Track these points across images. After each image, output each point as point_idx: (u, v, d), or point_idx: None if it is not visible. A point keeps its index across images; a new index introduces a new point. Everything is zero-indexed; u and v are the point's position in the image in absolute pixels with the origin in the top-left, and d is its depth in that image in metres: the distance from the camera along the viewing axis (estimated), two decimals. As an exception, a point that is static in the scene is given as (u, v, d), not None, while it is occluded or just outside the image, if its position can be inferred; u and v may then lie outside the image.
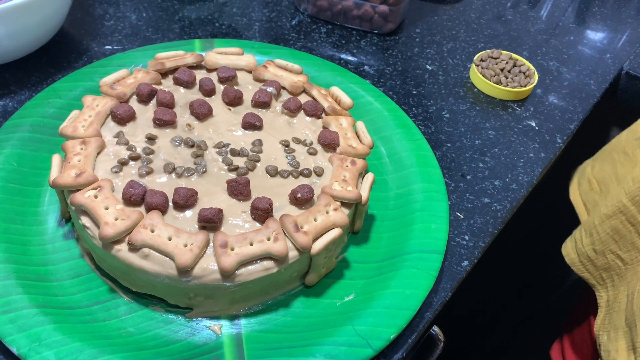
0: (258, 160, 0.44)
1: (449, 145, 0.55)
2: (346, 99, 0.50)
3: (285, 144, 0.46)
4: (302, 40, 0.66)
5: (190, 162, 0.43)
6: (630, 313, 0.43)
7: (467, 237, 0.47)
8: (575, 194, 0.57)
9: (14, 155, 0.46)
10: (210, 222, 0.38)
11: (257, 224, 0.39)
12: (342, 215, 0.40)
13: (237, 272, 0.37)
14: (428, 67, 0.64)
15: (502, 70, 0.62)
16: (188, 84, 0.49)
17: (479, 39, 0.70)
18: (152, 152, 0.43)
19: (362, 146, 0.46)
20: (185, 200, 0.39)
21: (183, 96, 0.48)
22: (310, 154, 0.45)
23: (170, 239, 0.37)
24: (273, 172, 0.43)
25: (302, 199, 0.40)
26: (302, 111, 0.49)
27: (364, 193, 0.43)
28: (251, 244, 0.38)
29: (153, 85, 0.48)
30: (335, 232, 0.40)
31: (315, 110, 0.48)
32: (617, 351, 0.43)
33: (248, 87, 0.50)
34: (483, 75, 0.61)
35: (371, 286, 0.42)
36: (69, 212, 0.44)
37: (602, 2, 0.81)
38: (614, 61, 0.69)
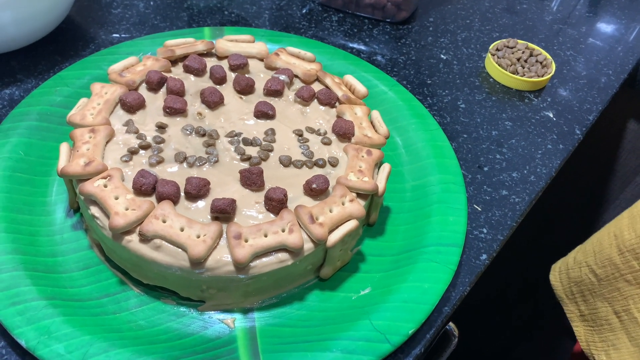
0: (271, 150, 0.43)
1: (465, 136, 0.54)
2: (361, 88, 0.48)
3: (299, 134, 0.44)
4: (313, 29, 0.65)
5: (201, 152, 0.42)
6: (637, 334, 0.43)
7: (485, 230, 0.46)
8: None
9: (21, 145, 0.45)
10: (224, 212, 0.37)
11: (271, 215, 0.38)
12: (358, 206, 0.39)
13: (251, 264, 0.36)
14: (442, 56, 0.63)
15: (518, 59, 0.61)
16: (199, 72, 0.48)
17: (494, 28, 0.69)
18: (163, 141, 0.42)
19: (377, 136, 0.45)
20: (197, 190, 0.38)
21: (193, 84, 0.47)
22: (325, 143, 0.44)
23: (182, 230, 0.36)
24: (286, 162, 0.42)
25: (318, 190, 0.39)
26: (315, 100, 0.47)
27: (381, 184, 0.42)
28: (265, 236, 0.37)
29: (163, 73, 0.47)
30: (351, 224, 0.39)
31: (329, 99, 0.47)
32: None
33: (260, 75, 0.49)
34: (499, 65, 0.60)
35: (388, 280, 0.40)
36: (77, 202, 0.43)
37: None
38: (633, 51, 0.67)
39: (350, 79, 0.49)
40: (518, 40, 0.63)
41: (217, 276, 0.36)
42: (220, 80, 0.47)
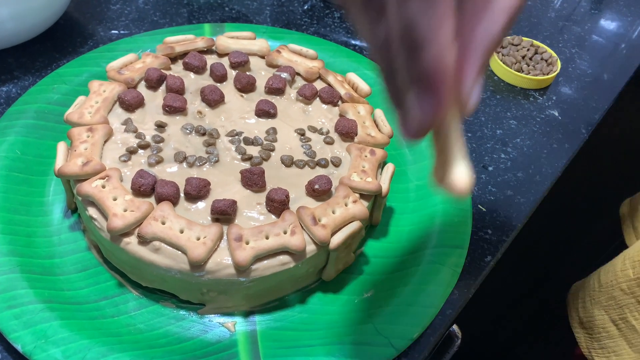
0: (272, 150, 0.42)
1: (469, 135, 0.53)
2: (364, 86, 0.48)
3: (301, 133, 0.43)
4: (315, 25, 0.64)
5: (201, 151, 0.41)
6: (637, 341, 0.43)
7: (490, 231, 0.45)
8: (628, 230, 0.55)
9: (18, 143, 0.44)
10: (224, 214, 0.36)
11: (273, 217, 0.38)
12: (361, 207, 0.38)
13: (252, 267, 0.35)
14: (446, 53, 0.62)
15: (523, 57, 0.60)
16: (199, 69, 0.47)
17: (498, 25, 0.67)
18: (162, 140, 0.41)
19: (381, 135, 0.44)
20: (197, 190, 0.37)
21: (193, 82, 0.46)
22: (327, 143, 0.43)
23: (182, 232, 0.36)
24: (288, 162, 0.41)
25: (320, 191, 0.38)
26: (317, 98, 0.46)
27: (385, 184, 0.41)
28: (267, 238, 0.36)
29: (162, 71, 0.46)
30: (354, 226, 0.38)
31: (331, 98, 0.46)
32: None
33: (261, 73, 0.48)
34: (504, 63, 0.59)
35: (391, 282, 0.40)
36: (75, 203, 0.42)
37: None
38: (639, 49, 0.66)
39: (353, 76, 0.48)
40: (523, 38, 0.62)
41: (217, 279, 0.35)
42: (220, 78, 0.46)
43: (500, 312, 0.86)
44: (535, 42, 0.61)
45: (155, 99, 0.44)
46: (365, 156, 0.42)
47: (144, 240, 0.36)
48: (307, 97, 0.46)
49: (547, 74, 0.58)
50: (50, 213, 0.42)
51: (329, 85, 0.47)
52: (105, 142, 0.41)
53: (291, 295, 0.39)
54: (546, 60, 0.60)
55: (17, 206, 0.41)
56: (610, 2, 0.75)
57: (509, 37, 0.62)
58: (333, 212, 0.38)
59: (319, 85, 0.48)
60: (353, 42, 0.62)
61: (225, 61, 0.48)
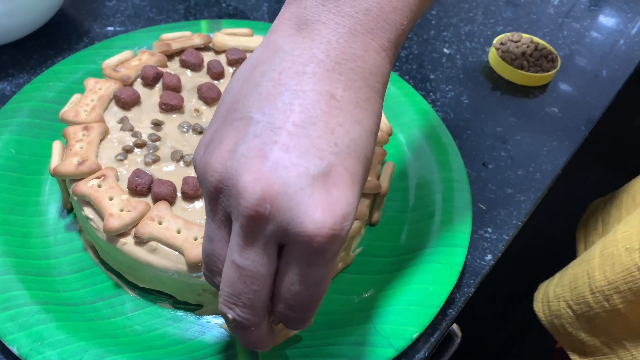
0: (271, 148, 0.41)
1: (469, 132, 0.53)
2: (363, 84, 0.47)
3: (299, 131, 0.43)
4: (313, 22, 0.63)
5: (199, 150, 0.41)
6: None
7: (490, 230, 0.45)
8: (580, 231, 0.56)
9: (12, 142, 0.44)
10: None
11: (271, 216, 0.37)
12: (361, 206, 0.38)
13: (250, 267, 0.35)
14: (445, 50, 0.62)
15: (523, 54, 0.59)
16: (196, 67, 0.46)
17: (498, 22, 0.67)
18: (159, 138, 0.41)
19: (380, 133, 0.43)
20: (194, 190, 0.37)
21: (190, 79, 0.46)
22: (326, 141, 0.43)
23: (179, 232, 0.35)
24: (287, 160, 0.41)
25: (319, 190, 0.38)
26: (316, 96, 0.46)
27: (384, 183, 0.40)
28: (265, 238, 0.35)
29: (159, 68, 0.45)
30: (353, 225, 0.37)
31: (330, 95, 0.45)
32: None
33: (259, 71, 0.47)
34: (503, 60, 0.58)
35: (391, 281, 0.39)
36: (70, 203, 0.41)
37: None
38: (639, 46, 0.66)
39: (351, 74, 0.48)
40: (522, 34, 0.61)
41: (215, 280, 0.35)
42: (218, 75, 0.46)
43: (500, 311, 0.86)
44: (535, 39, 0.61)
45: (151, 97, 0.44)
46: (365, 154, 0.41)
47: (140, 241, 0.35)
48: (305, 94, 0.45)
49: (548, 71, 0.58)
50: (45, 213, 0.41)
51: (328, 82, 0.47)
52: (101, 140, 0.40)
53: (290, 295, 0.39)
54: (546, 57, 0.59)
55: (11, 206, 0.41)
56: (609, -2, 0.74)
57: (508, 33, 0.61)
58: (332, 212, 0.37)
59: (317, 82, 0.47)
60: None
61: (222, 58, 0.48)
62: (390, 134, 0.44)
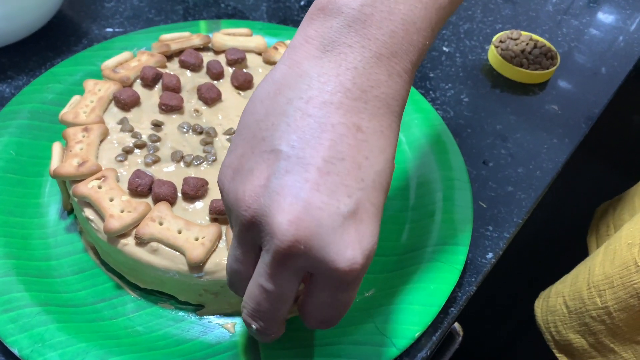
0: (271, 148, 0.41)
1: (469, 130, 0.53)
2: (362, 82, 0.47)
3: (299, 130, 0.43)
4: (312, 21, 0.63)
5: (199, 150, 0.41)
6: None
7: (490, 228, 0.45)
8: (591, 237, 0.56)
9: (12, 144, 0.44)
10: (223, 214, 0.36)
11: (272, 216, 0.37)
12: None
13: (251, 267, 0.35)
14: (445, 48, 0.62)
15: (522, 51, 0.59)
16: (195, 67, 0.46)
17: (497, 20, 0.67)
18: (159, 139, 0.41)
19: (380, 132, 0.43)
20: (195, 190, 0.37)
21: (190, 80, 0.46)
22: (326, 140, 0.42)
23: (180, 232, 0.35)
24: (287, 160, 0.41)
25: (319, 189, 0.38)
26: (316, 95, 0.46)
27: (384, 182, 0.40)
28: (266, 237, 0.35)
29: (158, 69, 0.45)
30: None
31: (330, 95, 0.45)
32: None
33: (258, 70, 0.47)
34: (503, 57, 0.58)
35: (392, 281, 0.39)
36: (71, 204, 0.41)
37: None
38: (638, 42, 0.66)
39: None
40: (522, 32, 0.61)
41: (216, 280, 0.35)
42: (217, 75, 0.46)
43: (501, 309, 0.86)
44: (534, 36, 0.61)
45: (151, 98, 0.44)
46: (365, 153, 0.41)
47: (141, 242, 0.35)
48: (305, 94, 0.45)
49: (547, 69, 0.58)
50: (45, 214, 0.41)
51: (327, 82, 0.47)
52: (101, 142, 0.40)
53: (291, 295, 0.39)
54: (545, 55, 0.59)
55: (12, 208, 0.40)
56: (608, -5, 0.74)
57: (507, 31, 0.61)
58: (333, 211, 0.37)
59: (316, 82, 0.47)
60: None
61: (221, 58, 0.48)
62: (390, 133, 0.44)
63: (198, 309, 0.37)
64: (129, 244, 0.35)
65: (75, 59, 0.51)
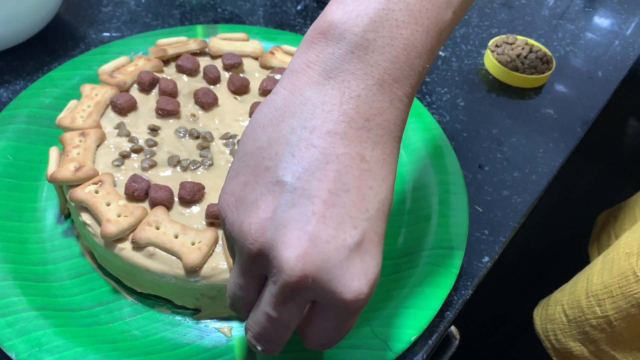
0: (267, 152, 0.42)
1: (464, 134, 0.53)
2: (358, 87, 0.47)
3: (296, 135, 0.43)
4: (309, 25, 0.63)
5: (195, 155, 0.41)
6: None
7: (486, 232, 0.45)
8: (593, 247, 0.56)
9: (9, 148, 0.44)
10: (219, 218, 0.36)
11: (269, 220, 0.37)
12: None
13: (248, 271, 0.35)
14: (441, 53, 0.62)
15: (518, 56, 0.59)
16: (192, 72, 0.46)
17: (493, 24, 0.67)
18: (155, 144, 0.41)
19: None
20: (191, 195, 0.37)
21: (186, 84, 0.46)
22: (322, 145, 0.43)
23: (176, 237, 0.35)
24: (284, 164, 0.41)
25: (316, 193, 0.38)
26: (312, 100, 0.46)
27: (380, 186, 0.40)
28: (263, 242, 0.35)
29: (155, 73, 0.45)
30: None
31: (326, 99, 0.45)
32: None
33: (255, 75, 0.48)
34: (499, 62, 0.59)
35: (388, 284, 0.39)
36: (68, 209, 0.41)
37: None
38: (633, 46, 0.66)
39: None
40: (517, 37, 0.61)
41: (213, 284, 0.35)
42: (214, 80, 0.46)
43: (497, 312, 0.86)
44: (530, 41, 0.61)
45: (148, 102, 0.44)
46: (361, 158, 0.41)
47: (138, 246, 0.35)
48: (301, 98, 0.45)
49: (543, 73, 0.58)
50: (42, 219, 0.41)
51: (324, 86, 0.47)
52: (98, 146, 0.40)
53: (288, 299, 0.39)
54: (541, 59, 0.60)
55: (9, 212, 0.41)
56: (603, 0, 0.75)
57: (503, 35, 0.62)
58: (329, 215, 0.37)
59: (313, 86, 0.47)
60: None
61: (218, 63, 0.48)
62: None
63: (195, 313, 0.38)
64: (125, 249, 0.35)
65: (72, 63, 0.51)
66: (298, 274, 0.24)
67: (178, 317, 0.37)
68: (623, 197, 0.59)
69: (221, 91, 0.46)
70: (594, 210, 0.53)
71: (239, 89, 0.45)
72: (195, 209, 0.37)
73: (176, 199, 0.38)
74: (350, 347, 0.35)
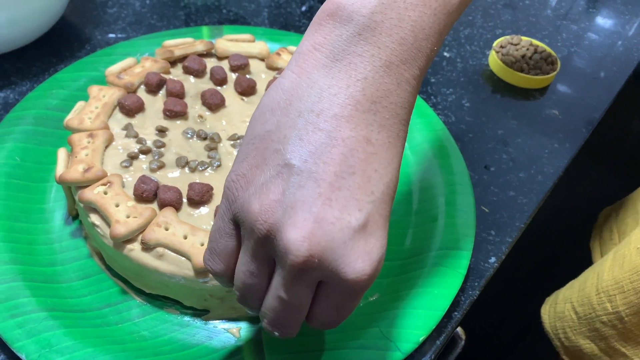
0: (275, 153, 0.42)
1: (470, 135, 0.53)
2: (365, 88, 0.47)
3: (303, 136, 0.43)
4: (314, 27, 0.63)
5: (203, 156, 0.41)
6: None
7: (493, 232, 0.45)
8: (595, 241, 0.56)
9: (17, 150, 0.44)
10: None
11: (277, 221, 0.37)
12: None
13: (257, 272, 0.35)
14: (445, 54, 0.62)
15: (522, 56, 0.60)
16: (198, 73, 0.46)
17: (497, 25, 0.68)
18: (163, 145, 0.41)
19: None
20: (200, 196, 0.37)
21: (193, 86, 0.46)
22: (329, 146, 0.43)
23: (185, 238, 0.35)
24: (291, 165, 0.41)
25: (324, 194, 0.38)
26: (319, 101, 0.46)
27: (388, 187, 0.40)
28: (271, 243, 0.36)
29: (162, 75, 0.45)
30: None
31: (333, 100, 0.46)
32: None
33: (261, 76, 0.48)
34: (503, 62, 0.59)
35: (396, 285, 0.40)
36: (76, 210, 0.41)
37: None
38: (638, 47, 0.67)
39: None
40: (522, 37, 0.62)
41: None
42: (221, 81, 0.46)
43: (504, 313, 0.86)
44: (534, 41, 0.61)
45: (155, 104, 0.44)
46: (368, 159, 0.41)
47: (147, 247, 0.35)
48: (308, 99, 0.45)
49: (547, 74, 0.58)
50: (51, 220, 0.41)
51: (330, 87, 0.47)
52: (106, 147, 0.40)
53: (296, 299, 0.39)
54: (545, 60, 0.60)
55: (17, 213, 0.41)
56: (606, 0, 0.75)
57: (507, 36, 0.62)
58: (337, 216, 0.37)
59: (319, 87, 0.47)
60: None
61: (225, 64, 0.48)
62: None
63: (203, 314, 0.38)
64: (134, 250, 0.35)
65: (78, 64, 0.51)
66: (304, 254, 0.24)
67: (187, 318, 0.37)
68: (629, 197, 0.59)
69: (228, 92, 0.46)
70: (599, 211, 0.53)
71: (246, 90, 0.46)
72: (204, 209, 0.37)
73: (185, 200, 0.38)
74: (359, 348, 0.36)
